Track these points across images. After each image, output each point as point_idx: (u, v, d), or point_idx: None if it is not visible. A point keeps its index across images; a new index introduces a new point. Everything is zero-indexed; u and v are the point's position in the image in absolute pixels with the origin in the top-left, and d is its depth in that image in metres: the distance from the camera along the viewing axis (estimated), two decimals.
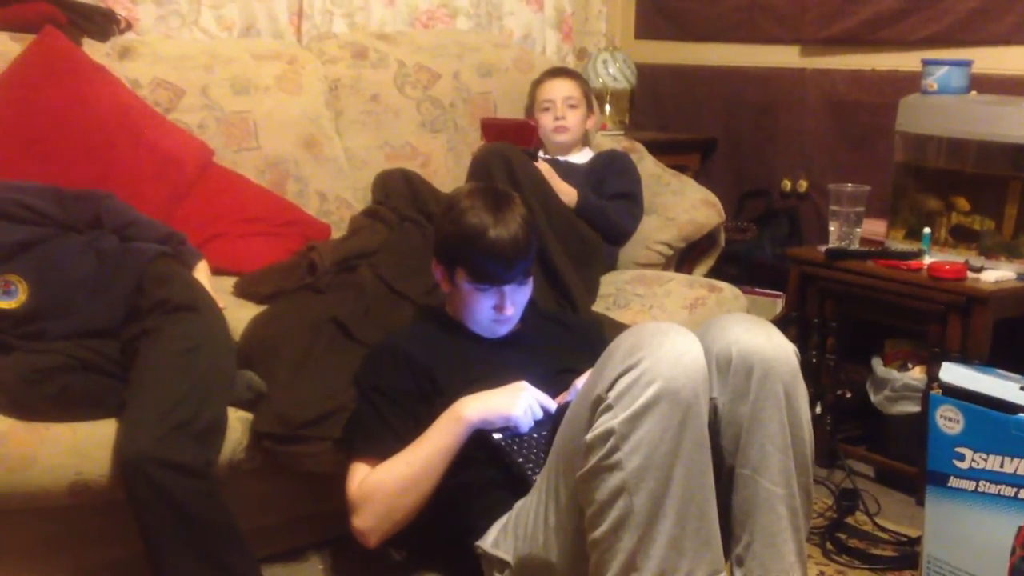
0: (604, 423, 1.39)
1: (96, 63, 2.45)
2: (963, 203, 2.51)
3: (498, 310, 1.85)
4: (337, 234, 2.58)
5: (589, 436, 1.40)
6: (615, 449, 1.38)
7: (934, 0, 2.86)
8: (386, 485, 1.71)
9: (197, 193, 2.47)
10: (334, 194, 2.70)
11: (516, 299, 1.87)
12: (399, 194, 2.56)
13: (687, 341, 1.43)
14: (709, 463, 1.44)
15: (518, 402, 1.72)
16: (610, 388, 1.40)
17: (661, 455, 1.38)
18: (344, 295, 2.16)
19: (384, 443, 1.75)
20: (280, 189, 2.63)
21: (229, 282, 2.31)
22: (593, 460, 1.40)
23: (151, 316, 1.89)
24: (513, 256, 1.81)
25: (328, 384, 1.92)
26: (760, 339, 1.56)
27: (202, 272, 2.15)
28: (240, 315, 2.11)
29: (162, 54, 2.62)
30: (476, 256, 1.80)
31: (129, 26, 2.73)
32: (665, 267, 2.83)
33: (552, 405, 1.76)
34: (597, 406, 1.41)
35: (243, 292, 2.27)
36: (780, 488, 1.54)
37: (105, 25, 2.61)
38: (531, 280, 1.90)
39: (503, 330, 1.90)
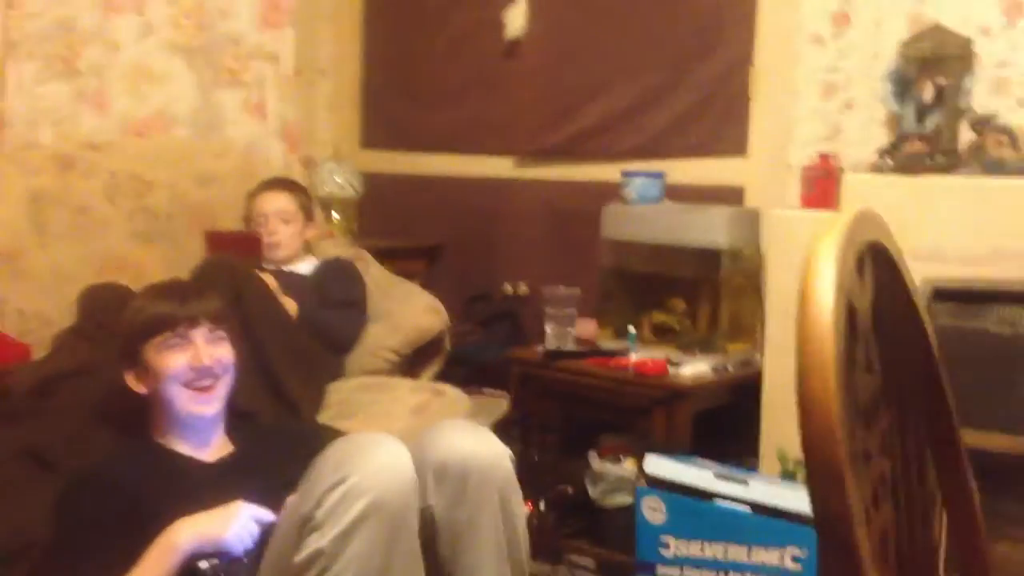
0: (313, 544, 1.37)
1: None
2: (678, 303, 2.71)
3: (195, 363, 1.77)
4: (38, 355, 2.41)
5: (297, 559, 1.37)
6: (325, 569, 1.36)
7: (631, 117, 3.12)
8: None
9: None
10: (35, 312, 2.53)
11: (212, 353, 1.80)
12: (108, 310, 2.43)
13: (394, 451, 1.44)
14: (421, 573, 1.44)
15: (230, 525, 1.65)
16: (318, 506, 1.38)
17: (373, 570, 1.37)
18: (42, 422, 2.01)
19: None
20: None
21: None
22: None
23: None
24: (183, 291, 1.82)
25: (20, 518, 1.77)
26: (475, 445, 1.60)
27: None
28: None
29: None
30: (148, 310, 1.79)
31: None
32: (393, 372, 2.84)
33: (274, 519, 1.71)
34: (305, 525, 1.38)
35: None
36: None
37: None
38: (228, 345, 1.85)
39: (209, 406, 1.80)
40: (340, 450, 1.44)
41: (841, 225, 1.08)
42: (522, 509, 1.63)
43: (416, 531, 1.44)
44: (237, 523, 1.65)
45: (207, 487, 1.74)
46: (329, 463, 1.42)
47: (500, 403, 3.04)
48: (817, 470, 1.03)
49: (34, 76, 2.98)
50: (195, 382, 1.79)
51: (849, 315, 1.06)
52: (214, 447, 1.87)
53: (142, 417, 1.88)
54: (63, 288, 2.61)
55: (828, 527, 1.07)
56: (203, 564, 1.62)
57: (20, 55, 2.94)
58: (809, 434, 1.01)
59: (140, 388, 1.83)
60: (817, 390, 0.98)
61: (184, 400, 1.79)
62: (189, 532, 1.63)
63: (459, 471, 1.57)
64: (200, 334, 1.80)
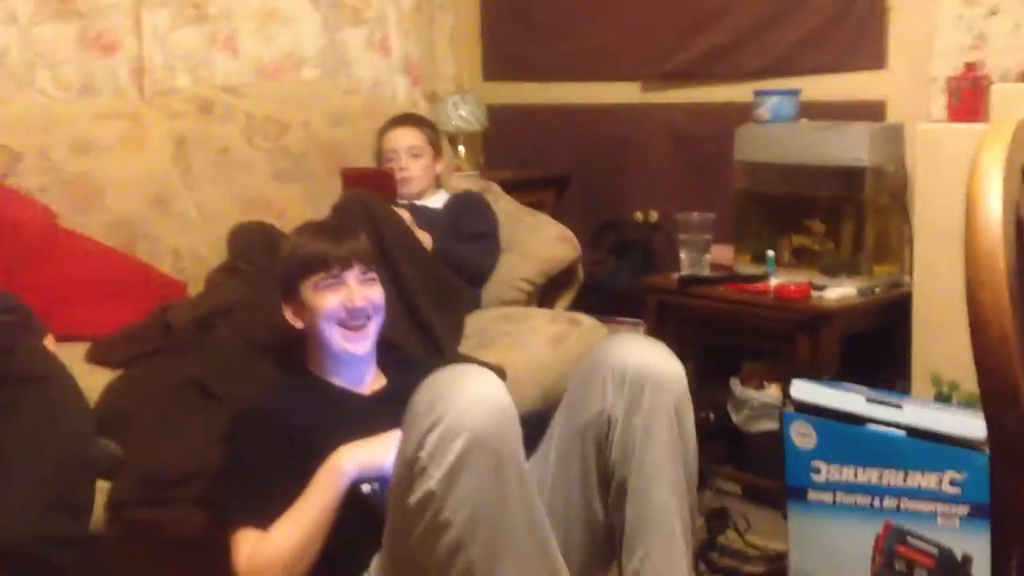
0: (423, 486, 1.38)
1: None
2: (817, 225, 2.64)
3: (348, 304, 1.83)
4: (194, 292, 2.52)
5: (411, 500, 1.40)
6: (440, 509, 1.38)
7: (760, 33, 3.02)
8: (281, 553, 1.65)
9: (41, 258, 2.37)
10: (188, 251, 2.63)
11: (364, 294, 1.86)
12: (256, 247, 2.52)
13: (485, 382, 1.43)
14: (535, 495, 1.46)
15: (390, 451, 1.69)
16: (420, 447, 1.39)
17: (487, 504, 1.38)
18: (203, 354, 2.10)
19: (267, 508, 1.69)
20: (130, 249, 2.55)
21: (81, 349, 2.22)
22: (422, 523, 1.40)
23: (2, 390, 1.80)
24: (337, 232, 1.88)
25: (190, 444, 1.86)
26: (653, 356, 1.64)
27: (49, 344, 2.06)
28: (94, 382, 2.03)
29: None
30: (305, 249, 1.86)
31: None
32: (528, 303, 2.87)
33: None
34: (412, 467, 1.40)
35: (96, 358, 2.19)
36: (674, 500, 1.59)
37: None
38: (378, 286, 1.90)
39: (360, 344, 1.86)
40: (430, 388, 1.43)
41: (1004, 135, 1.03)
42: (694, 422, 1.65)
43: (522, 457, 1.44)
44: (396, 450, 1.70)
45: (364, 418, 1.79)
46: (422, 402, 1.42)
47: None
48: (992, 385, 1.00)
49: (167, 23, 3.07)
50: (348, 321, 1.85)
51: (1018, 227, 1.02)
52: (368, 381, 1.93)
53: (299, 351, 1.95)
54: (212, 227, 2.71)
55: (1003, 442, 1.04)
56: (366, 488, 1.68)
57: (153, 2, 3.02)
58: (983, 348, 0.98)
59: (297, 323, 1.91)
60: (990, 303, 0.95)
61: (337, 338, 1.86)
62: (353, 458, 1.69)
63: (636, 379, 1.61)
64: (353, 275, 1.86)
